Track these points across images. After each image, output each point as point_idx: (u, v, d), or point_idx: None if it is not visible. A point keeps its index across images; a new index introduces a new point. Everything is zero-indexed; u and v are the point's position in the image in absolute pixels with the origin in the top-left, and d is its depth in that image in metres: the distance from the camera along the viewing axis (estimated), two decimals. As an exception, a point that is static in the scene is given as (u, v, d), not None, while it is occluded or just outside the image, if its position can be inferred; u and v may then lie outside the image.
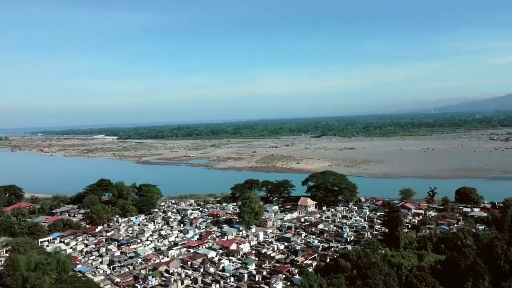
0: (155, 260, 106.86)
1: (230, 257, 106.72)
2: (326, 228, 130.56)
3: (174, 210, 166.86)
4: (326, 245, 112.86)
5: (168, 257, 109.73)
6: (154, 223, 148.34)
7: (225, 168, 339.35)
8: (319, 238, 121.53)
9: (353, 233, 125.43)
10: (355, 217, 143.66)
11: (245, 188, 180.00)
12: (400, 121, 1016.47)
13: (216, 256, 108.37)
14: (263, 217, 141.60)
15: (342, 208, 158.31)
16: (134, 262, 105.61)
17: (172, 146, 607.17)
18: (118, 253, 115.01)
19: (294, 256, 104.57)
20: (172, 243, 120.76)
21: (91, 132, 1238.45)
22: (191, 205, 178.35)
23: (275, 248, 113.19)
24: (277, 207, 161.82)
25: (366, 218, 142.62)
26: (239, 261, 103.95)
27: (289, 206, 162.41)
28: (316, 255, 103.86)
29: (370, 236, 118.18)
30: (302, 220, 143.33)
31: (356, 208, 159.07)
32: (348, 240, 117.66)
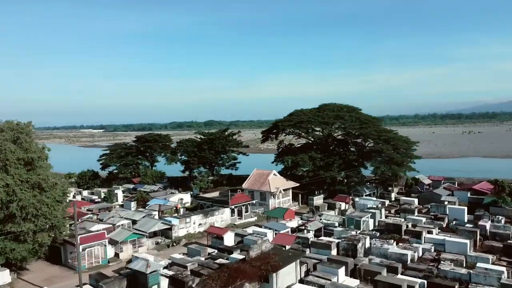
0: None
1: None
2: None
3: None
4: None
5: None
6: None
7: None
8: None
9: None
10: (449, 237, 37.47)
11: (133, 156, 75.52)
12: (419, 113, 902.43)
13: None
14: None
15: (375, 200, 51.84)
16: None
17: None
18: None
19: None
20: None
21: (81, 127, 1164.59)
22: None
23: None
24: (180, 196, 56.60)
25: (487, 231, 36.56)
26: None
27: (216, 195, 56.23)
28: None
29: None
30: (224, 245, 37.86)
31: (416, 201, 52.54)
32: None
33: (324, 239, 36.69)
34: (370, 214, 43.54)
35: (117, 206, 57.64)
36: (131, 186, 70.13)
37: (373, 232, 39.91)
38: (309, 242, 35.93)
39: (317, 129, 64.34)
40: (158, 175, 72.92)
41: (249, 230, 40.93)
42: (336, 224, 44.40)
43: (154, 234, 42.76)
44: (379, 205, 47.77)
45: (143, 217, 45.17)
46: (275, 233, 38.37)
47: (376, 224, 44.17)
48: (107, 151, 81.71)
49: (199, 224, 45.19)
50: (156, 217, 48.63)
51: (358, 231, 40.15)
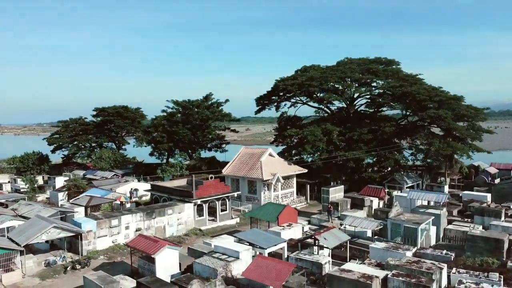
0: None
1: None
2: None
3: None
4: None
5: None
6: None
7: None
8: None
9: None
10: None
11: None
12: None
13: None
14: None
15: (439, 193, 32.34)
16: None
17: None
18: None
19: None
20: None
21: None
22: None
23: None
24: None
25: None
26: None
27: (182, 184, 37.90)
28: None
29: None
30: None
31: (489, 197, 33.45)
32: None
33: (355, 268, 18.12)
34: (433, 217, 24.67)
35: (43, 199, 40.10)
36: (83, 172, 52.44)
37: (444, 252, 21.23)
38: (325, 276, 17.60)
39: (336, 97, 45.13)
40: (118, 158, 54.77)
41: (216, 241, 22.67)
42: (369, 233, 25.99)
43: (53, 247, 24.88)
44: (445, 201, 28.64)
45: (51, 216, 27.27)
46: (259, 253, 20.02)
47: (441, 234, 25.54)
48: (58, 128, 64.01)
49: (138, 230, 27.04)
50: (82, 215, 30.81)
51: (413, 248, 21.65)
